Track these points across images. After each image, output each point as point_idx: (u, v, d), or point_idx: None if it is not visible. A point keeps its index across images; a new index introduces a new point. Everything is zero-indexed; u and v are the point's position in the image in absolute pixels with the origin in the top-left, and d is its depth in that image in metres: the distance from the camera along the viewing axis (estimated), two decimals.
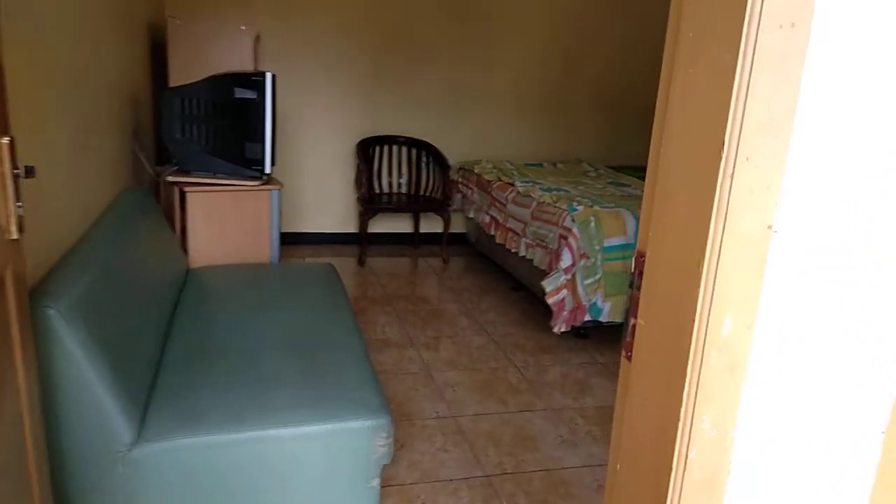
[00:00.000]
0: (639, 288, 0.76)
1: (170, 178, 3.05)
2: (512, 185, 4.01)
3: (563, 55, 5.04)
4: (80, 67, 2.15)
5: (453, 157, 4.86)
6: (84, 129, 2.17)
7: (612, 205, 3.42)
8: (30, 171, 1.19)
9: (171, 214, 3.18)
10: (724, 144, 0.61)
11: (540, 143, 5.18)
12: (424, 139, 4.85)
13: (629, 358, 0.78)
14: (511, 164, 4.62)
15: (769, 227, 0.64)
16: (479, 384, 2.93)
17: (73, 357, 1.51)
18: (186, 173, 3.10)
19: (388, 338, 3.36)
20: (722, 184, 0.61)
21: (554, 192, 3.69)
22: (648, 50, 5.14)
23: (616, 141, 5.32)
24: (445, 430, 2.56)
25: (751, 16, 0.58)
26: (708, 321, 0.63)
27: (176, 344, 2.11)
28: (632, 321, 0.78)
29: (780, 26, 0.59)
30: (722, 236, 0.62)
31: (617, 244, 3.25)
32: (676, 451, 0.69)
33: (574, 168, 4.77)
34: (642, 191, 3.83)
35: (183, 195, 3.07)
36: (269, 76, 3.03)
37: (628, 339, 0.78)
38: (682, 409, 0.67)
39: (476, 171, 4.51)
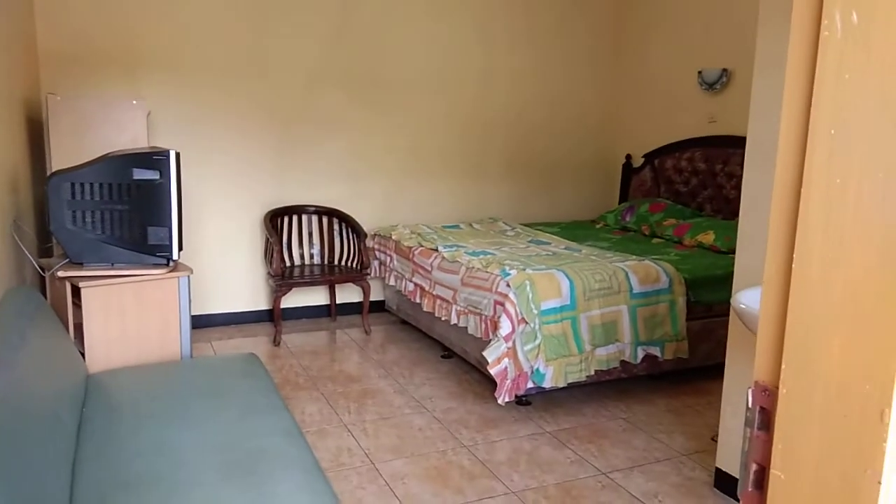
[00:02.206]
0: (764, 428, 0.62)
1: (61, 274, 2.68)
2: (435, 250, 3.87)
3: (463, 117, 5.05)
4: None
5: (365, 222, 4.68)
6: None
7: (543, 267, 3.35)
8: None
9: (62, 313, 2.79)
10: None
11: (451, 204, 5.11)
12: (334, 207, 4.65)
13: None
14: (428, 228, 4.49)
15: None
16: (430, 472, 2.70)
17: None
18: (80, 266, 2.74)
19: (321, 428, 3.07)
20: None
21: (481, 256, 3.58)
22: (545, 107, 5.29)
23: (523, 197, 5.35)
24: None
25: None
26: None
27: (86, 480, 1.77)
28: (753, 466, 0.63)
29: None
30: None
31: (553, 307, 3.16)
32: None
33: (491, 227, 4.72)
34: (564, 249, 3.73)
35: (77, 291, 2.71)
36: (172, 154, 2.76)
37: (750, 490, 0.64)
38: None
39: (394, 237, 4.34)
